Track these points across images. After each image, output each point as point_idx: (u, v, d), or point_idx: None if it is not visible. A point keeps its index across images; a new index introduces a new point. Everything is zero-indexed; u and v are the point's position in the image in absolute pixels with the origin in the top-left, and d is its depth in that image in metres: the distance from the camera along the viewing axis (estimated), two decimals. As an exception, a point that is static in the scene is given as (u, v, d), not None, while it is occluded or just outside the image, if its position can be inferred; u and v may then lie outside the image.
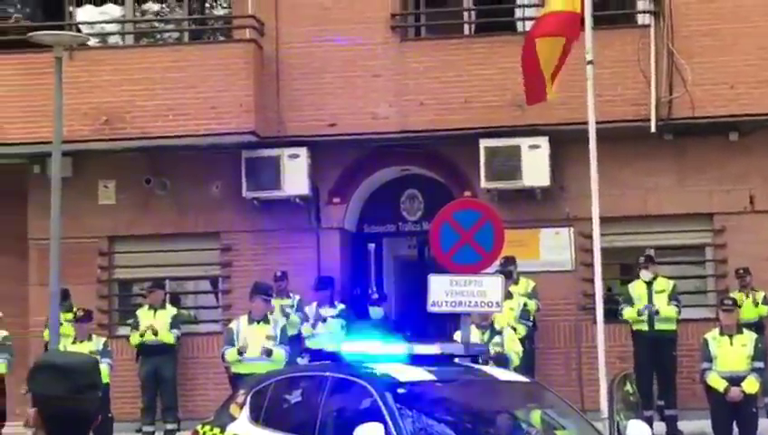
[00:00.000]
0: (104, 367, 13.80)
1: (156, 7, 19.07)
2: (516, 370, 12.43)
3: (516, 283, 15.82)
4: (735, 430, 13.54)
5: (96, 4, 18.64)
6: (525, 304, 15.60)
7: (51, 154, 14.16)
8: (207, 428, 11.05)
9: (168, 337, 15.94)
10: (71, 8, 18.37)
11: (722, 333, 13.66)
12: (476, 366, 10.52)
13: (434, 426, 9.63)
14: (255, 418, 10.63)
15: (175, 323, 16.08)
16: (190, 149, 17.36)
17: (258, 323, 14.56)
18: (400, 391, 9.57)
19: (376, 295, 17.17)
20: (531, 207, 16.86)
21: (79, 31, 17.49)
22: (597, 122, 14.81)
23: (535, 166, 16.57)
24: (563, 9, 14.77)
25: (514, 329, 14.34)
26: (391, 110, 16.95)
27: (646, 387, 14.82)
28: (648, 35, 16.54)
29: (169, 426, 15.91)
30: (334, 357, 11.01)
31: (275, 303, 15.71)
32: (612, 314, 15.50)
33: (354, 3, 17.10)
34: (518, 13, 17.60)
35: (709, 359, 13.62)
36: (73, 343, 14.84)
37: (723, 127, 16.62)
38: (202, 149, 17.35)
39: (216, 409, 11.62)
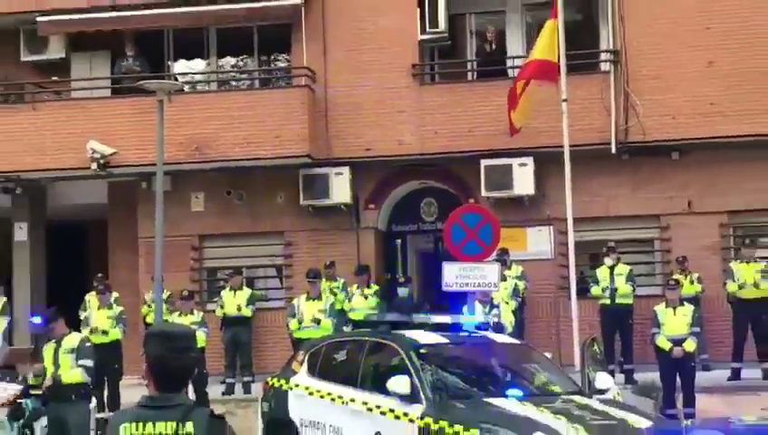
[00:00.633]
0: (201, 334, 13.70)
1: (233, 61, 19.14)
2: (510, 335, 12.40)
3: (509, 268, 15.73)
4: (678, 380, 13.46)
5: (188, 59, 18.83)
6: (516, 285, 15.51)
7: (155, 173, 14.18)
8: (275, 380, 11.09)
9: (246, 311, 15.93)
10: (169, 62, 18.52)
11: (667, 306, 13.58)
12: (480, 332, 10.53)
13: (447, 377, 9.66)
14: (312, 372, 10.67)
15: (251, 301, 16.05)
16: (260, 168, 17.37)
17: (313, 300, 14.56)
18: (422, 351, 9.61)
19: (402, 279, 17.10)
20: (520, 210, 16.78)
21: (176, 79, 17.59)
22: (570, 146, 14.88)
23: (523, 179, 16.51)
24: (544, 58, 14.80)
25: (508, 303, 14.29)
26: (413, 137, 16.94)
27: (609, 347, 14.76)
28: (609, 79, 16.50)
29: (246, 378, 15.90)
30: (371, 325, 11.05)
31: (325, 285, 15.69)
32: (583, 292, 15.47)
33: (384, 56, 17.08)
34: (509, 63, 17.57)
35: (658, 325, 13.53)
36: (179, 316, 14.74)
37: (667, 148, 16.53)
38: (269, 169, 17.37)
39: (281, 365, 11.67)
